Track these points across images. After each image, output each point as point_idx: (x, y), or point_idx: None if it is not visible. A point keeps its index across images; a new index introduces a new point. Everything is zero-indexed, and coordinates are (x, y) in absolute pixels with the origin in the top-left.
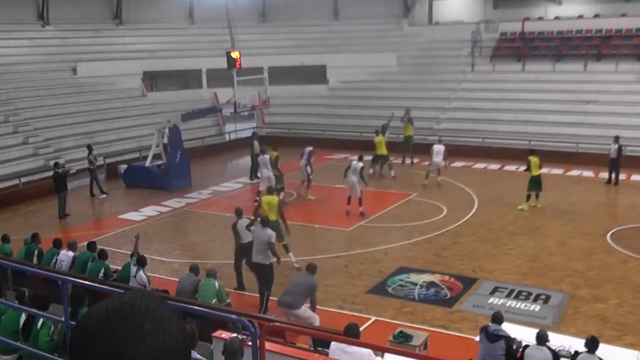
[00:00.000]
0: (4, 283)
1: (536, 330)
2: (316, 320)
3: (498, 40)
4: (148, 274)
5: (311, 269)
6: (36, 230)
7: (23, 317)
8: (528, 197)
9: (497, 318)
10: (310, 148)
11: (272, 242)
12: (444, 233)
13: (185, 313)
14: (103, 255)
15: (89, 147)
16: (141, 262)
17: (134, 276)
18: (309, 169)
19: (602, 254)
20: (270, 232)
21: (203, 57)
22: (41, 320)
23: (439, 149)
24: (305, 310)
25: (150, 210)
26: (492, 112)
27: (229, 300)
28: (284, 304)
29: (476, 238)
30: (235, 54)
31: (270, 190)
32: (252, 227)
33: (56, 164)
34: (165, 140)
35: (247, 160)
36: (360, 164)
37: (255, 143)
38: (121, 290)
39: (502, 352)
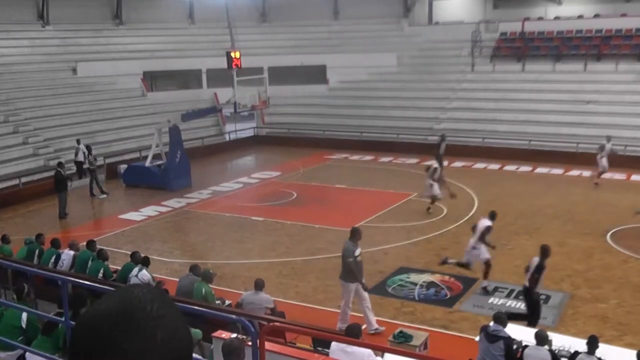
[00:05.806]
0: (4, 283)
1: (536, 330)
2: None
3: (498, 40)
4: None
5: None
6: (36, 230)
7: (24, 313)
8: None
9: (498, 318)
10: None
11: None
12: (444, 233)
13: (185, 313)
14: (102, 255)
15: (88, 147)
16: (144, 262)
17: (136, 275)
18: None
19: (602, 254)
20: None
21: (203, 57)
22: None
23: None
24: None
25: (150, 210)
26: (492, 112)
27: (229, 302)
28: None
29: None
30: (235, 54)
31: None
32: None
33: (59, 164)
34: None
35: (247, 160)
36: None
37: (443, 145)
38: None
39: (500, 353)
